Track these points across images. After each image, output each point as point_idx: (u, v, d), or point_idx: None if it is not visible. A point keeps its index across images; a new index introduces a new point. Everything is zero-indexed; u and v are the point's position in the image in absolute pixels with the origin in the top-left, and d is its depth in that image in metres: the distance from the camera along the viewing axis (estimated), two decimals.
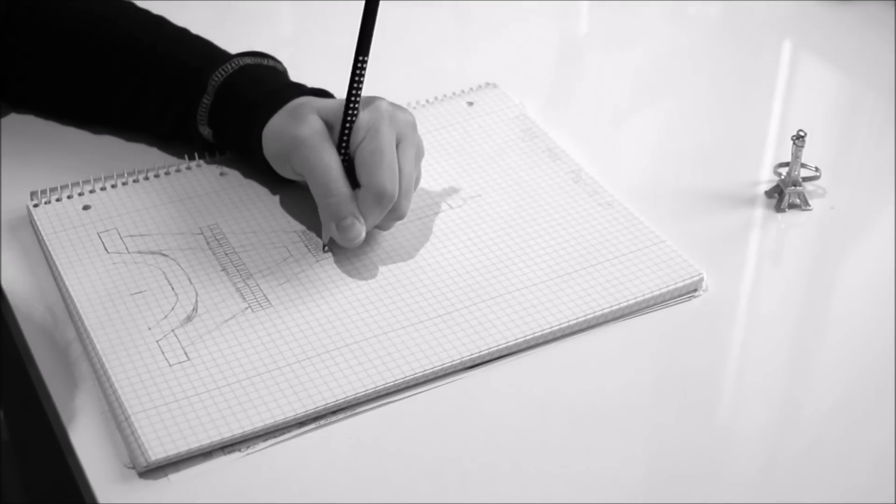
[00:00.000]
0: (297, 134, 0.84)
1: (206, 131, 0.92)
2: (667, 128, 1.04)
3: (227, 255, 0.87)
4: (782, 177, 0.94)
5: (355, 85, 0.85)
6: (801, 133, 0.92)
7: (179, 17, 0.98)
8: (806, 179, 0.94)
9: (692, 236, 0.89)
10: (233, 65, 0.92)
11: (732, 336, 0.84)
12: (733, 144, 1.00)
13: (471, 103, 1.02)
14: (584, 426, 0.76)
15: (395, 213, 0.85)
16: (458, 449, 0.75)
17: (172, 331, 0.80)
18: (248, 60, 0.93)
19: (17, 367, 0.87)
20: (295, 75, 0.96)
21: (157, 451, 0.72)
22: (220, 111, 0.91)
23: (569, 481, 0.73)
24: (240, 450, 0.74)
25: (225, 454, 0.74)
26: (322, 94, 0.92)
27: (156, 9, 0.99)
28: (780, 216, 0.92)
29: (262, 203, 0.91)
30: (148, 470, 0.72)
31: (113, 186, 0.92)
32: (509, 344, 0.80)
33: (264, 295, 0.83)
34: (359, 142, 0.84)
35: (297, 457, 0.74)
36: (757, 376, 0.80)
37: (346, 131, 0.85)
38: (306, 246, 0.87)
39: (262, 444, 0.74)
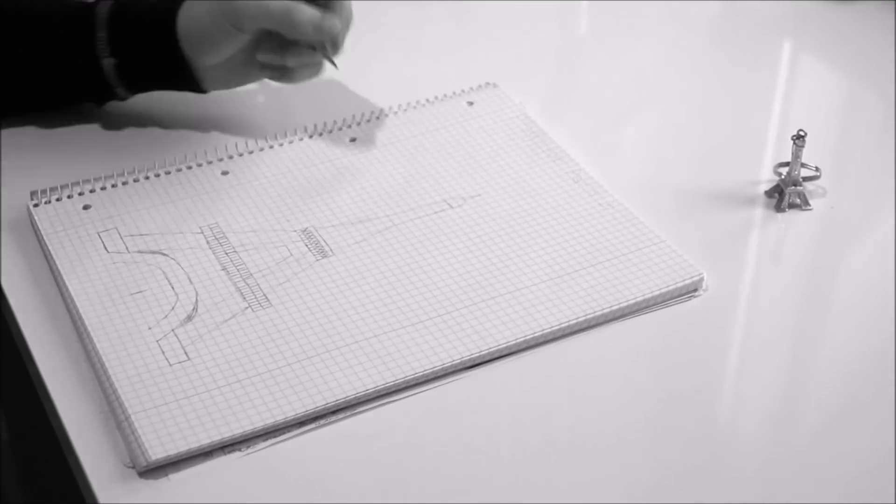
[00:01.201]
0: None
1: (108, 63, 0.92)
2: (667, 128, 1.04)
3: (227, 254, 0.87)
4: (782, 177, 0.94)
5: None
6: (801, 133, 0.92)
7: None
8: (806, 179, 0.94)
9: (692, 236, 0.89)
10: None
11: (732, 336, 0.84)
12: (733, 144, 1.00)
13: (471, 103, 1.02)
14: (584, 426, 0.76)
15: (345, 13, 0.92)
16: (458, 449, 0.75)
17: (172, 330, 0.80)
18: None
19: (17, 367, 0.87)
20: None
21: (157, 450, 0.72)
22: (119, 37, 0.91)
23: (569, 481, 0.73)
24: (240, 450, 0.74)
25: (225, 454, 0.74)
26: None
27: None
28: (780, 216, 0.92)
29: (262, 203, 0.91)
30: (148, 470, 0.72)
31: (113, 186, 0.92)
32: (509, 344, 0.80)
33: (264, 294, 0.83)
34: None
35: (297, 457, 0.74)
36: (757, 376, 0.80)
37: None
38: (306, 246, 0.87)
39: (262, 444, 0.74)
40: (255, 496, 0.72)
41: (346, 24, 0.93)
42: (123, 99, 0.97)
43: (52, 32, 0.93)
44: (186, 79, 0.93)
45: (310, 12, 0.89)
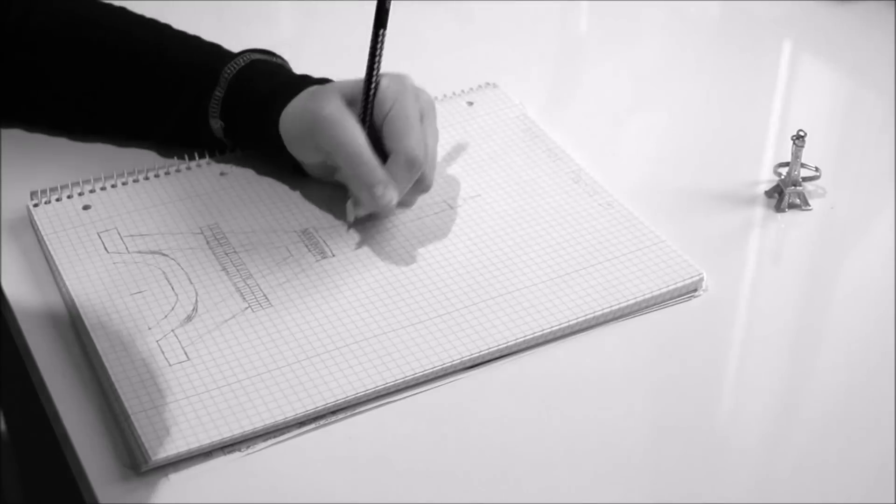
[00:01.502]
0: (320, 111, 0.85)
1: (217, 124, 0.92)
2: (667, 128, 1.04)
3: (227, 254, 0.87)
4: (782, 177, 0.94)
5: (375, 57, 0.86)
6: (801, 133, 0.92)
7: (179, 17, 0.98)
8: (806, 179, 0.94)
9: (692, 236, 0.89)
10: (244, 59, 0.92)
11: (732, 336, 0.84)
12: (733, 144, 1.00)
13: (471, 103, 1.02)
14: (584, 426, 0.76)
15: (421, 184, 0.86)
16: (458, 449, 0.75)
17: (172, 331, 0.80)
18: (258, 56, 0.93)
19: (17, 367, 0.87)
20: None
21: (157, 451, 0.72)
22: (232, 102, 0.91)
23: (569, 481, 0.73)
24: (240, 450, 0.74)
25: (225, 454, 0.74)
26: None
27: (158, 8, 0.99)
28: (780, 216, 0.92)
29: (262, 203, 0.91)
30: (148, 470, 0.72)
31: (113, 186, 0.92)
32: (509, 344, 0.80)
33: (264, 295, 0.83)
34: (386, 111, 0.86)
35: (297, 457, 0.74)
36: (757, 376, 0.80)
37: (370, 104, 0.86)
38: (306, 246, 0.87)
39: (262, 444, 0.74)
40: (255, 496, 0.72)
41: (418, 192, 0.88)
42: (235, 150, 0.95)
43: (180, 78, 0.93)
44: (285, 161, 0.91)
45: (371, 177, 0.84)
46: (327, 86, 0.88)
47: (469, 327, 0.81)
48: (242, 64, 0.92)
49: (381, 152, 0.86)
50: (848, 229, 0.92)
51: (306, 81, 0.91)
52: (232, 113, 0.91)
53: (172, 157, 0.96)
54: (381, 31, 0.87)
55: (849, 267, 0.90)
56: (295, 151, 0.89)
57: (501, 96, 1.03)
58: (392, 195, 0.84)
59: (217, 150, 0.95)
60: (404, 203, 0.88)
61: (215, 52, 0.94)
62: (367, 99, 0.87)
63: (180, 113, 0.93)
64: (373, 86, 0.87)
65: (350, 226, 0.88)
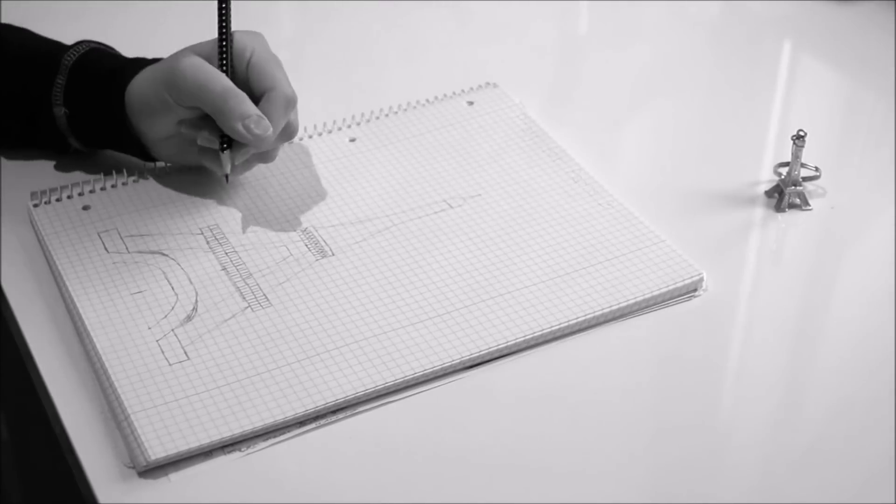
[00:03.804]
0: (177, 64, 0.86)
1: (60, 112, 0.91)
2: (667, 128, 1.04)
3: (227, 254, 0.87)
4: (782, 177, 0.94)
5: (223, 17, 0.88)
6: (801, 133, 0.92)
7: (179, 17, 0.99)
8: (806, 179, 0.94)
9: (692, 236, 0.89)
10: (83, 46, 0.92)
11: (732, 336, 0.84)
12: (733, 144, 1.00)
13: (471, 103, 1.02)
14: (585, 426, 0.76)
15: (288, 130, 0.88)
16: (458, 449, 0.75)
17: (172, 330, 0.80)
18: (95, 45, 0.93)
19: (17, 367, 0.87)
20: (295, 75, 0.95)
21: (156, 450, 0.72)
22: (75, 87, 0.90)
23: (569, 481, 0.73)
24: (240, 450, 0.74)
25: (225, 454, 0.74)
26: None
27: (155, 9, 0.99)
28: (780, 216, 0.92)
29: (262, 203, 0.91)
30: (148, 469, 0.72)
31: (113, 186, 0.92)
32: (509, 344, 0.80)
33: (264, 294, 0.83)
34: (247, 59, 0.87)
35: (297, 457, 0.74)
36: (757, 376, 0.80)
37: (225, 52, 0.87)
38: (306, 246, 0.87)
39: (262, 444, 0.74)
40: (255, 496, 0.72)
41: (286, 137, 0.89)
42: (81, 151, 0.94)
43: (19, 70, 0.92)
44: (131, 144, 0.91)
45: (244, 108, 0.84)
46: (181, 50, 0.88)
47: (469, 327, 0.81)
48: (83, 51, 0.91)
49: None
50: (848, 229, 0.92)
51: (147, 61, 0.91)
52: (75, 97, 0.90)
53: None
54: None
55: (849, 267, 0.90)
56: (144, 123, 0.88)
57: (501, 96, 1.03)
58: (268, 126, 0.85)
59: (59, 149, 0.93)
60: (269, 156, 0.89)
61: (54, 45, 0.93)
62: (222, 51, 0.87)
63: (24, 107, 0.91)
64: (225, 44, 0.87)
65: (227, 177, 0.88)
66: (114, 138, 0.91)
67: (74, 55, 0.91)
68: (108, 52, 0.93)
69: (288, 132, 0.88)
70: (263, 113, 0.85)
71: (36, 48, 0.93)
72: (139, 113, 0.88)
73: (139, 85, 0.88)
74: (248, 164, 0.90)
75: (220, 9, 0.88)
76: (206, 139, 0.87)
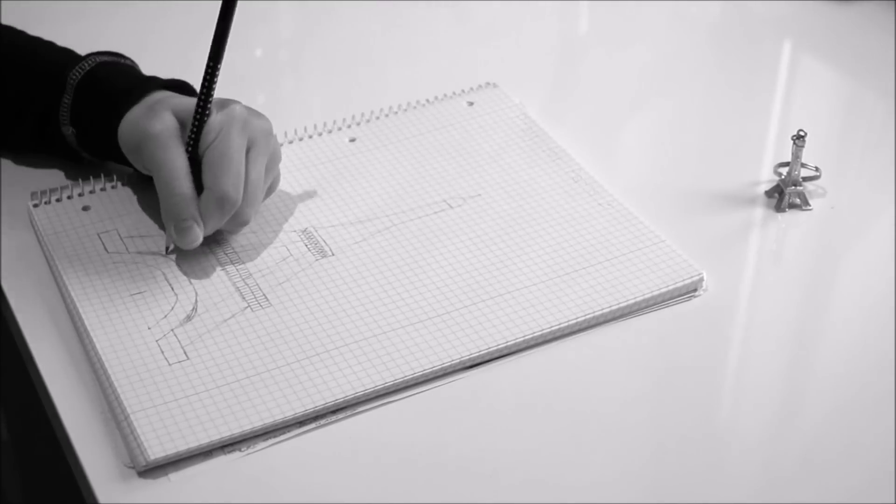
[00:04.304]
0: (149, 130, 0.84)
1: (68, 131, 0.91)
2: (667, 128, 1.04)
3: (226, 254, 0.87)
4: (782, 177, 0.94)
5: (206, 88, 0.84)
6: (801, 133, 0.92)
7: (179, 17, 0.98)
8: (806, 179, 0.94)
9: (692, 236, 0.89)
10: (90, 62, 0.91)
11: (732, 336, 0.84)
12: (733, 144, 1.00)
13: (471, 103, 1.02)
14: (584, 426, 0.76)
15: (238, 219, 0.85)
16: (458, 449, 0.75)
17: (172, 330, 0.80)
18: (105, 58, 0.92)
19: (17, 367, 0.87)
20: (295, 75, 0.96)
21: (156, 450, 0.72)
22: (80, 109, 0.90)
23: (569, 481, 0.73)
24: (240, 449, 0.74)
25: (225, 454, 0.74)
26: (182, 85, 0.91)
27: (155, 9, 0.99)
28: (780, 216, 0.92)
29: (263, 203, 0.91)
30: (147, 469, 0.72)
31: (113, 187, 0.92)
32: (509, 344, 0.80)
33: (264, 294, 0.83)
34: (208, 144, 0.84)
35: (297, 457, 0.74)
36: (757, 376, 0.80)
37: (195, 133, 0.84)
38: (306, 246, 0.87)
39: (262, 444, 0.74)
40: (255, 496, 0.72)
41: (235, 225, 0.86)
42: (96, 162, 0.94)
43: (28, 84, 0.91)
44: (128, 169, 0.90)
45: (179, 210, 0.83)
46: (166, 101, 0.86)
47: (469, 327, 0.81)
48: (88, 68, 0.90)
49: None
50: (848, 229, 0.92)
51: (151, 85, 0.89)
52: (81, 119, 0.90)
53: None
54: (213, 65, 0.85)
55: (849, 267, 0.90)
56: (132, 160, 0.87)
57: (501, 96, 1.03)
58: (196, 234, 0.83)
59: (73, 159, 0.93)
60: (227, 231, 0.87)
61: (63, 57, 0.92)
62: (193, 127, 0.84)
63: (33, 122, 0.91)
64: (201, 115, 0.84)
65: (168, 250, 0.86)
66: (121, 155, 0.90)
67: (80, 73, 0.90)
68: (117, 67, 0.92)
69: (237, 221, 0.85)
70: (202, 208, 0.83)
71: (47, 60, 0.92)
72: (127, 154, 0.87)
73: (125, 130, 0.87)
74: (229, 228, 0.87)
75: (204, 79, 0.85)
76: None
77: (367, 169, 0.95)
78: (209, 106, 0.84)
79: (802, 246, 0.92)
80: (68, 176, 0.93)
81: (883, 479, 0.73)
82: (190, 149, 0.84)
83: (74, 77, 0.90)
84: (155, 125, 0.84)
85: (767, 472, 0.74)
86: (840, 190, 0.95)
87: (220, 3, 0.86)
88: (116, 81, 0.90)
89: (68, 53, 0.93)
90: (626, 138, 1.04)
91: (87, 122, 0.90)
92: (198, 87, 0.86)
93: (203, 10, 0.98)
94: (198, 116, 0.84)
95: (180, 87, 0.91)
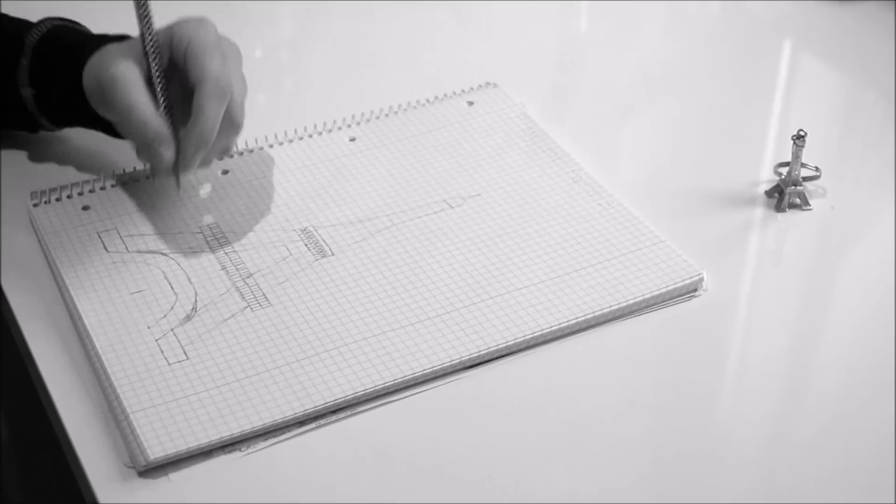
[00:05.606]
0: (106, 70, 0.84)
1: (27, 93, 0.91)
2: (667, 128, 1.04)
3: (226, 254, 0.87)
4: (782, 177, 0.94)
5: (145, 22, 0.85)
6: (801, 133, 0.92)
7: (178, 16, 0.98)
8: (806, 179, 0.94)
9: (692, 236, 0.89)
10: (45, 25, 0.91)
11: (732, 336, 0.84)
12: (733, 144, 1.00)
13: (471, 103, 1.02)
14: (585, 426, 0.76)
15: (230, 122, 0.84)
16: (458, 449, 0.75)
17: (172, 330, 0.80)
18: (58, 22, 0.92)
19: (17, 367, 0.87)
20: (295, 75, 0.96)
21: (156, 450, 0.72)
22: (40, 69, 0.90)
23: (569, 481, 0.73)
24: (240, 449, 0.74)
25: (225, 454, 0.74)
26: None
27: (155, 8, 0.99)
28: (780, 216, 0.92)
29: (262, 203, 0.91)
30: (147, 469, 0.72)
31: (112, 186, 0.92)
32: (509, 344, 0.80)
33: (263, 294, 0.83)
34: (184, 49, 0.84)
35: (297, 457, 0.74)
36: (757, 376, 0.80)
37: (151, 60, 0.85)
38: (306, 245, 0.87)
39: (262, 444, 0.74)
40: (255, 496, 0.72)
41: (231, 129, 0.85)
42: (51, 130, 0.94)
43: None
44: (98, 122, 0.90)
45: (147, 129, 0.83)
46: (122, 44, 0.87)
47: (469, 327, 0.81)
48: (45, 30, 0.91)
49: (188, 110, 0.84)
50: (848, 229, 0.92)
51: (106, 38, 0.90)
52: (39, 77, 0.90)
53: None
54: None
55: (849, 267, 0.90)
56: (97, 108, 0.88)
57: (501, 96, 1.03)
58: (169, 153, 0.83)
59: (29, 128, 0.93)
60: (221, 148, 0.87)
61: (17, 22, 0.93)
62: (146, 55, 0.85)
63: None
64: (148, 42, 0.84)
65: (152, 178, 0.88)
66: (80, 116, 0.90)
67: (37, 34, 0.90)
68: (71, 27, 0.92)
69: (230, 125, 0.85)
70: (194, 105, 0.83)
71: (1, 25, 0.92)
72: (91, 96, 0.87)
73: (88, 74, 0.87)
74: (204, 163, 0.88)
75: (137, 13, 0.85)
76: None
77: (366, 168, 0.95)
78: (153, 35, 0.85)
79: (802, 246, 0.92)
80: (68, 176, 0.93)
81: (883, 480, 0.73)
82: (153, 78, 0.85)
83: (32, 38, 0.90)
84: (112, 64, 0.84)
85: (767, 471, 0.74)
86: (840, 190, 0.95)
87: (221, 3, 0.85)
88: (76, 37, 0.91)
89: (21, 20, 0.94)
90: (626, 138, 1.04)
91: (47, 80, 0.90)
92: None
93: (203, 11, 0.98)
94: (147, 42, 0.84)
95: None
